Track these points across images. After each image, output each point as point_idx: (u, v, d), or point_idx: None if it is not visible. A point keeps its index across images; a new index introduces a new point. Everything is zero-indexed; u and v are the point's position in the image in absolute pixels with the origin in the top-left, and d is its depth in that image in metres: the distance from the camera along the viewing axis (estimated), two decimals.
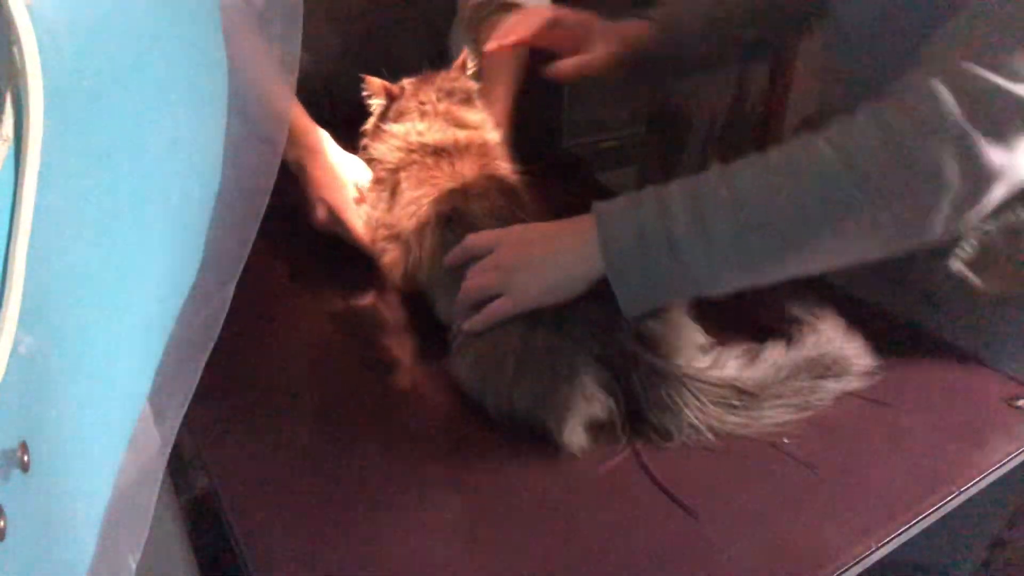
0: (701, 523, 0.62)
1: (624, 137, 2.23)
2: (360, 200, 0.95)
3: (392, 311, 0.90)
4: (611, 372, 0.71)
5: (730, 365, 0.74)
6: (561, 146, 2.00)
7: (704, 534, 0.61)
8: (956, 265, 0.81)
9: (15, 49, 0.32)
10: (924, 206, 0.62)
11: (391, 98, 0.96)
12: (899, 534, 0.62)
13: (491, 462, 0.69)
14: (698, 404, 0.70)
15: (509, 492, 0.65)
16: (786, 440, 0.71)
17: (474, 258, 0.77)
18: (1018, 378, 0.78)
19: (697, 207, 0.66)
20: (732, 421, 0.71)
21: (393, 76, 0.99)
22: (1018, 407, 0.75)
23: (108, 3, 0.39)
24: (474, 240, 0.77)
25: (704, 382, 0.71)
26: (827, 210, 0.63)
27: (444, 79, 0.97)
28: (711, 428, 0.70)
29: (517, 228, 0.78)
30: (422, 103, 0.94)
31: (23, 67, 0.32)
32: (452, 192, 0.85)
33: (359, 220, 0.93)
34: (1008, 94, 0.58)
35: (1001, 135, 0.59)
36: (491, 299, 0.74)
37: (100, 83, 0.38)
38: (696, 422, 0.70)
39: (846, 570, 0.59)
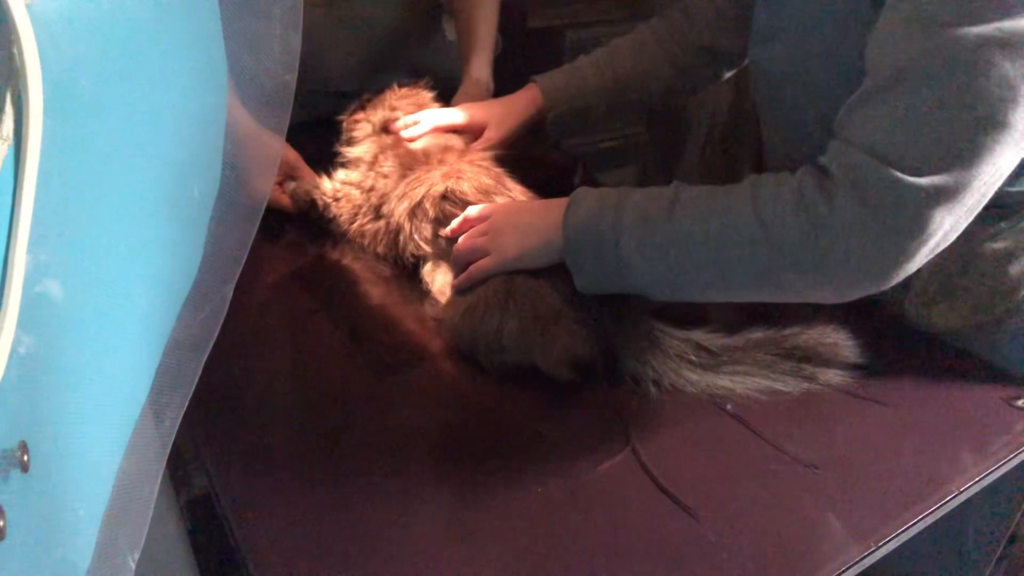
0: (701, 523, 0.62)
1: (624, 137, 2.23)
2: (281, 180, 1.04)
3: (391, 310, 0.90)
4: (587, 314, 0.77)
5: (701, 328, 0.78)
6: (561, 146, 1.99)
7: (704, 534, 0.61)
8: (909, 306, 0.86)
9: (15, 49, 0.32)
10: (836, 285, 0.66)
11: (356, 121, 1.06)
12: (899, 534, 0.62)
13: (491, 462, 0.69)
14: (661, 354, 0.76)
15: (508, 492, 0.65)
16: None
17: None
18: (1018, 378, 0.78)
19: (644, 231, 0.72)
20: (686, 377, 0.75)
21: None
22: (1018, 407, 0.75)
23: (108, 3, 0.39)
24: (472, 211, 0.85)
25: (668, 335, 0.77)
26: (743, 269, 0.68)
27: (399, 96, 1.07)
28: (667, 380, 0.75)
29: (510, 201, 0.88)
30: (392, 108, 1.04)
31: (23, 67, 0.32)
32: (444, 175, 0.91)
33: (284, 196, 1.03)
34: (908, 187, 0.60)
35: (911, 226, 0.61)
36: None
37: (100, 83, 0.38)
38: (655, 372, 0.75)
39: (846, 570, 0.59)
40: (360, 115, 1.04)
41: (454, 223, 0.86)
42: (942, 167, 0.60)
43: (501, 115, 1.05)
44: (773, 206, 0.66)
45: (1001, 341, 0.83)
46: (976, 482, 0.67)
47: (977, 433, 0.72)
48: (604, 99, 1.08)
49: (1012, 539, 0.87)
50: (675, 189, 0.73)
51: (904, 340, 0.84)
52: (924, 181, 0.60)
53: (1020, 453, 0.70)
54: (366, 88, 1.16)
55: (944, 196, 0.60)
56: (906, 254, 0.63)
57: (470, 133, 1.04)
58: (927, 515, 0.64)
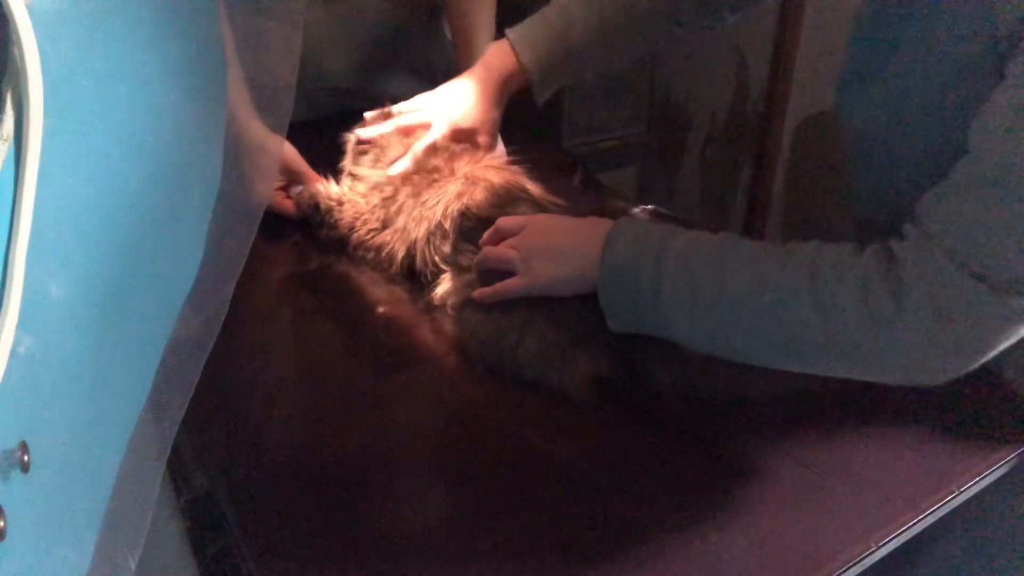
0: (702, 523, 0.62)
1: (624, 137, 2.23)
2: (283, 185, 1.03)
3: (390, 310, 0.90)
4: (610, 336, 0.75)
5: None
6: (561, 146, 2.00)
7: (705, 534, 0.61)
8: (1008, 372, 0.80)
9: (15, 49, 0.32)
10: (886, 377, 0.63)
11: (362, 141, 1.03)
12: (899, 534, 0.62)
13: (490, 463, 0.69)
14: (690, 366, 0.74)
15: (507, 492, 0.65)
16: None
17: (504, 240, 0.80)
18: (1018, 378, 0.78)
19: (688, 289, 0.67)
20: (713, 384, 0.74)
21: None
22: (1018, 407, 0.75)
23: (108, 3, 0.39)
24: (505, 222, 0.80)
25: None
26: (791, 348, 0.64)
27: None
28: (695, 387, 0.74)
29: (545, 216, 0.83)
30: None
31: (23, 67, 0.32)
32: (458, 193, 0.89)
33: (286, 200, 1.03)
34: (992, 304, 0.55)
35: (984, 341, 0.57)
36: (504, 275, 0.78)
37: (100, 82, 0.38)
38: (686, 384, 0.74)
39: (846, 570, 0.59)
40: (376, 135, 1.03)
41: (487, 235, 0.82)
42: None
43: (484, 116, 0.98)
44: (834, 293, 0.60)
45: None
46: (976, 482, 0.67)
47: (977, 433, 0.72)
48: (593, 48, 0.97)
49: None
50: (721, 244, 0.68)
51: None
52: (1014, 302, 0.54)
53: (1020, 453, 0.70)
54: (365, 86, 1.16)
55: None
56: (969, 363, 0.59)
57: (459, 142, 0.98)
58: (927, 515, 0.64)
